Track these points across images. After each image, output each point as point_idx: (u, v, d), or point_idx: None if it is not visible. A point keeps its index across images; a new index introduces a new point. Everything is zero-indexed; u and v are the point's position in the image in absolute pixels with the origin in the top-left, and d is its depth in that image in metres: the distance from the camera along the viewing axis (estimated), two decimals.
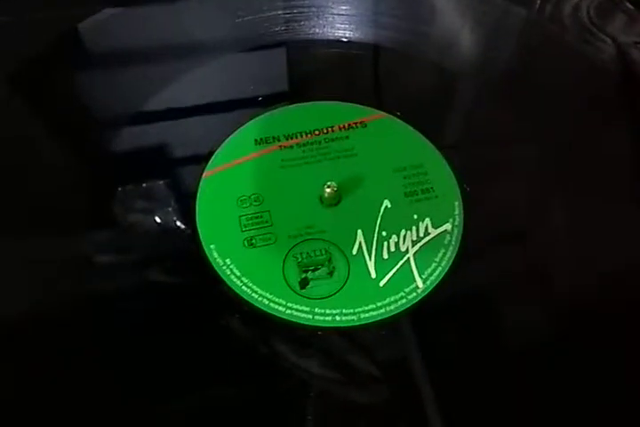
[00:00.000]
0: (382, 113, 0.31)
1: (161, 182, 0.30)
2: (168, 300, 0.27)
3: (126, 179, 0.30)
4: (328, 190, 0.28)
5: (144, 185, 0.30)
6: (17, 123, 0.31)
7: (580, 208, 0.29)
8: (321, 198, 0.29)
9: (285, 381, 0.25)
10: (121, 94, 0.32)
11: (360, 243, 0.28)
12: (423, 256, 0.27)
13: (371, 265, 0.27)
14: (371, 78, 0.34)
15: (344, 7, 0.35)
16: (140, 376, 0.25)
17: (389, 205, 0.29)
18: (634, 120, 0.30)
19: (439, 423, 0.24)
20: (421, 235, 0.28)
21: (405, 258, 0.27)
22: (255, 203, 0.29)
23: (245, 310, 0.26)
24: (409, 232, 0.28)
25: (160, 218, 0.29)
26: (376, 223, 0.28)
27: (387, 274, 0.27)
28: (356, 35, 0.34)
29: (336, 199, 0.28)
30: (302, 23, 0.35)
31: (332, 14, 0.35)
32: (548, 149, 0.30)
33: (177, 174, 0.31)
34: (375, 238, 0.28)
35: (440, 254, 0.27)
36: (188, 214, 0.29)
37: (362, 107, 0.32)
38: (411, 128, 0.31)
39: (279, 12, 0.35)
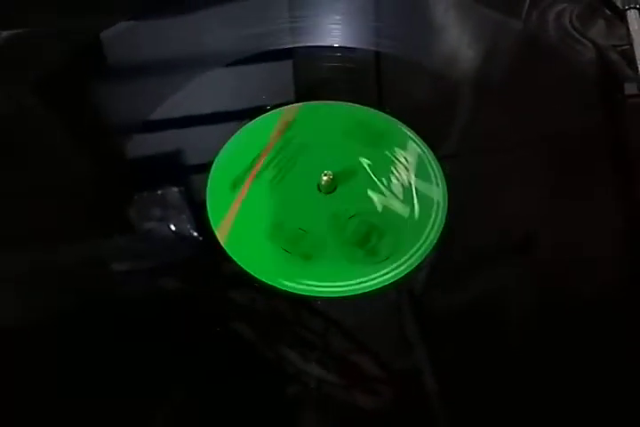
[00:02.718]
0: (293, 105, 0.33)
1: (175, 189, 0.30)
2: (181, 307, 0.27)
3: (142, 186, 0.31)
4: (325, 178, 0.29)
5: (159, 192, 0.30)
6: (38, 130, 0.32)
7: (571, 208, 0.30)
8: (319, 187, 0.30)
9: (294, 385, 0.26)
10: (137, 102, 0.33)
11: (376, 200, 0.30)
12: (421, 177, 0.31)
13: (400, 209, 0.30)
14: (373, 86, 0.35)
15: (345, 17, 0.36)
16: (152, 382, 0.25)
17: (368, 161, 0.31)
18: (615, 123, 0.32)
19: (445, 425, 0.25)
20: (405, 162, 0.31)
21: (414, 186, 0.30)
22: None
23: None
24: (397, 167, 0.31)
25: (175, 225, 0.29)
26: (374, 181, 0.30)
27: (414, 207, 0.30)
28: (358, 44, 0.36)
29: (332, 186, 0.30)
30: (307, 33, 0.36)
31: (335, 23, 0.36)
32: (541, 154, 0.31)
33: (191, 182, 0.31)
34: (383, 190, 0.30)
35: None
36: (202, 222, 0.29)
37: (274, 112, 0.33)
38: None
39: (285, 22, 0.36)
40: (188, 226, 0.29)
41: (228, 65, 0.35)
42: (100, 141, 0.32)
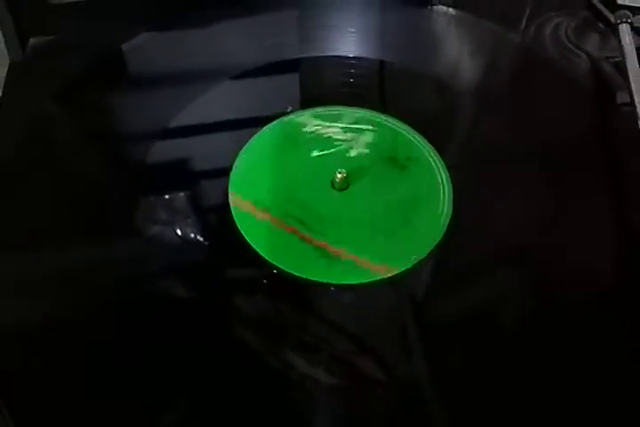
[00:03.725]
0: None
1: (182, 194, 0.31)
2: (184, 310, 0.27)
3: (149, 191, 0.31)
4: (339, 176, 0.31)
5: (166, 197, 0.31)
6: (54, 136, 0.33)
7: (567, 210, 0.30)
8: (332, 184, 0.31)
9: (297, 388, 0.26)
10: (153, 111, 0.34)
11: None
12: None
13: None
14: (377, 96, 0.36)
15: (353, 28, 0.38)
16: (157, 386, 0.25)
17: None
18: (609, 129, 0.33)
19: None
20: None
21: None
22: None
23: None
24: None
25: (180, 230, 0.30)
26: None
27: None
28: (364, 53, 0.37)
29: (345, 184, 0.31)
30: (317, 44, 0.37)
31: (343, 34, 0.38)
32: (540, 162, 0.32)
33: (199, 187, 0.32)
34: None
35: None
36: (207, 227, 0.30)
37: None
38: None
39: (294, 34, 0.37)
40: (194, 230, 0.30)
41: (236, 77, 0.36)
42: (113, 148, 0.33)
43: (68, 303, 0.27)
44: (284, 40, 0.37)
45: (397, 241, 0.30)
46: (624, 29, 0.33)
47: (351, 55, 0.37)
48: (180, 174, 0.32)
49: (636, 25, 0.34)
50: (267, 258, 0.29)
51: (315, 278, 0.28)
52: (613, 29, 0.34)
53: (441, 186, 0.31)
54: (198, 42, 0.37)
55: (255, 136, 0.33)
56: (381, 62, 0.37)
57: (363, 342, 0.27)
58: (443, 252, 0.29)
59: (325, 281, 0.28)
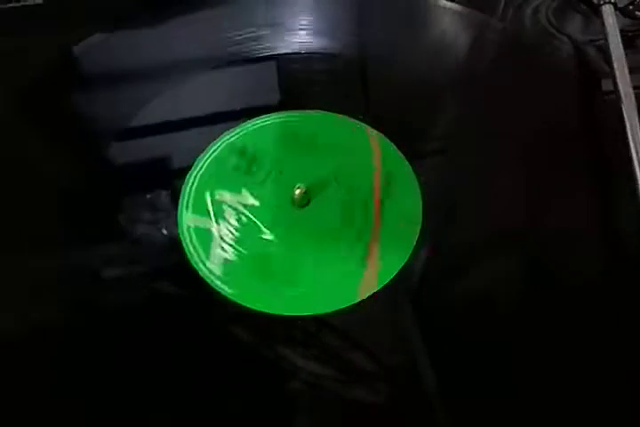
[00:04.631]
0: None
1: (164, 193, 0.31)
2: (173, 310, 0.28)
3: (130, 191, 0.31)
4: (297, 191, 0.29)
5: (148, 196, 0.31)
6: (22, 141, 0.32)
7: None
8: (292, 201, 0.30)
9: (287, 381, 0.26)
10: (118, 109, 0.33)
11: None
12: None
13: None
14: (355, 86, 0.35)
15: (327, 22, 0.36)
16: (147, 386, 0.26)
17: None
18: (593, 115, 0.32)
19: (442, 418, 0.25)
20: None
21: None
22: None
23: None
24: None
25: (166, 229, 0.30)
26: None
27: None
28: (339, 47, 0.36)
29: (305, 200, 0.30)
30: (285, 38, 0.36)
31: (309, 28, 0.36)
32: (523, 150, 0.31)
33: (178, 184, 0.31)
34: None
35: None
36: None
37: None
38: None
39: (261, 28, 0.36)
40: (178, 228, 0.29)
41: (209, 69, 0.35)
42: (85, 149, 0.33)
43: (52, 308, 0.27)
44: (250, 34, 0.36)
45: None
46: (607, 10, 0.32)
47: (322, 49, 0.36)
48: (160, 172, 0.32)
49: (619, 6, 0.32)
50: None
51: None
52: (596, 10, 0.33)
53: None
54: (155, 39, 0.36)
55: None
56: (359, 54, 0.35)
57: (355, 332, 0.27)
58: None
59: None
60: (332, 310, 0.27)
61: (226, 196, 0.31)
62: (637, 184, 0.27)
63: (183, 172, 0.32)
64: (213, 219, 0.30)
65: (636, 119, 0.29)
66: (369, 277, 0.28)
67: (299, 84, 0.35)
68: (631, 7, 0.34)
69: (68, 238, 0.30)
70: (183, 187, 0.31)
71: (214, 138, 0.32)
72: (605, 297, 0.27)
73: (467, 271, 0.29)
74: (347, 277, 0.28)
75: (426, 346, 0.27)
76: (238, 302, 0.28)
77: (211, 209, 0.30)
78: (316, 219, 0.30)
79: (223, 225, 0.30)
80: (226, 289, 0.28)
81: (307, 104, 0.33)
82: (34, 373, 0.25)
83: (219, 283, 0.28)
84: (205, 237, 0.30)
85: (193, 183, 0.31)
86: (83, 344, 0.26)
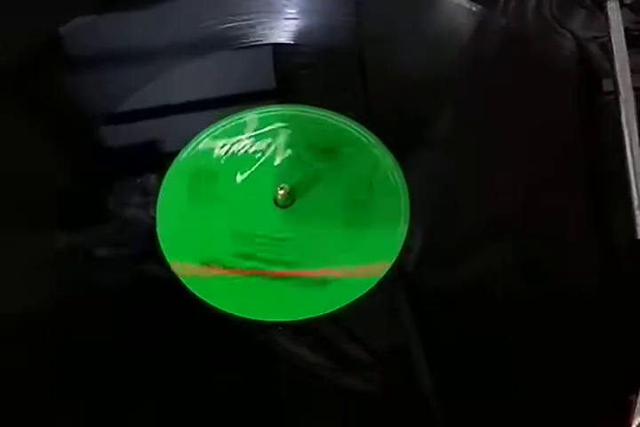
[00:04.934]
0: None
1: (153, 176, 0.31)
2: (163, 293, 0.28)
3: (121, 174, 0.31)
4: (281, 192, 0.29)
5: (138, 180, 0.30)
6: (10, 125, 0.32)
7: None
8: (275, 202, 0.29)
9: (280, 369, 0.26)
10: (108, 93, 0.33)
11: None
12: None
13: None
14: (353, 80, 0.34)
15: (324, 11, 0.35)
16: (136, 369, 0.26)
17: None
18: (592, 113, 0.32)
19: (435, 407, 0.25)
20: None
21: None
22: None
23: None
24: None
25: (155, 212, 0.29)
26: None
27: None
28: (334, 40, 0.35)
29: (289, 200, 0.29)
30: (280, 26, 0.35)
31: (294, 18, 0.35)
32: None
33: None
34: None
35: None
36: None
37: None
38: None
39: (251, 16, 0.35)
40: None
41: (203, 55, 0.34)
42: (75, 133, 0.32)
43: (42, 291, 0.27)
44: (241, 19, 0.35)
45: (368, 234, 0.29)
46: (612, 7, 0.31)
47: (314, 42, 0.35)
48: (151, 156, 0.32)
49: (625, 2, 0.31)
50: (245, 316, 0.27)
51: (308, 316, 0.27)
52: (601, 6, 0.32)
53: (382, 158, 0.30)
54: (143, 23, 0.35)
55: (164, 185, 0.31)
56: (357, 47, 0.35)
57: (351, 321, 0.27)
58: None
59: (319, 313, 0.27)
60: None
61: None
62: (631, 184, 0.28)
63: (173, 156, 0.31)
64: None
65: (634, 122, 0.28)
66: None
67: (292, 72, 0.34)
68: None
69: (57, 221, 0.29)
70: None
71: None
72: (600, 290, 0.27)
73: (462, 262, 0.29)
74: None
75: (419, 335, 0.27)
76: None
77: None
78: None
79: None
80: None
81: (299, 93, 0.33)
82: (22, 355, 0.26)
83: None
84: None
85: None
86: (71, 323, 0.27)
